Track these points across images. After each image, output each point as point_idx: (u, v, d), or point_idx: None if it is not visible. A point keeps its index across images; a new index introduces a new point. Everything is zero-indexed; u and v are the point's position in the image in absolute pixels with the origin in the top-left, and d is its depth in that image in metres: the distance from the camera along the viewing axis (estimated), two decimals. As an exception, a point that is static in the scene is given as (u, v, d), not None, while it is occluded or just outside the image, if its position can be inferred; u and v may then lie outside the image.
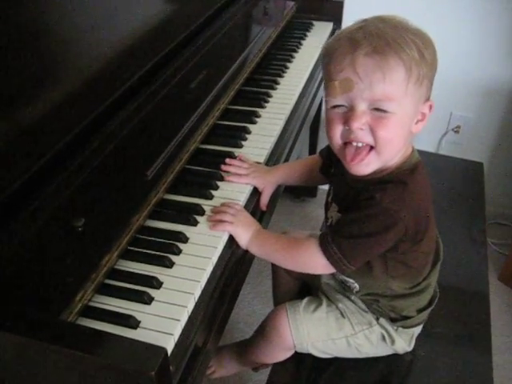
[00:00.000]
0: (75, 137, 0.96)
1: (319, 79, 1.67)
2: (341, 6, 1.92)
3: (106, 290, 0.88)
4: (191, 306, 0.87)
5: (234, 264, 1.02)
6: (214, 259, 0.96)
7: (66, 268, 0.84)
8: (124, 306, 0.86)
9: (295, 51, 1.72)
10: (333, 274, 1.16)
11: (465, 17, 1.96)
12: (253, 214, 1.10)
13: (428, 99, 0.94)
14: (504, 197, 2.25)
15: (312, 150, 2.27)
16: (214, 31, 1.49)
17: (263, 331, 1.19)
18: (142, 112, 1.12)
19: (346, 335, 1.12)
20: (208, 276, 0.93)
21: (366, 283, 1.07)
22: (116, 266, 0.93)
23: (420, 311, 1.11)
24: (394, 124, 0.89)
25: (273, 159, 1.25)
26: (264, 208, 1.18)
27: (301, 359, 1.17)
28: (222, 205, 1.08)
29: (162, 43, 1.29)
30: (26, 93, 0.90)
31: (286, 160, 1.31)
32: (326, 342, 1.12)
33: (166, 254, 0.95)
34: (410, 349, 1.15)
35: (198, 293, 0.89)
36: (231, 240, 1.02)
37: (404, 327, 1.11)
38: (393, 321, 1.11)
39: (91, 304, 0.86)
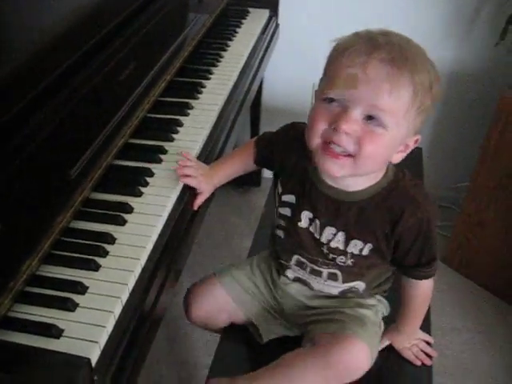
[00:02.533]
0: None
1: (255, 67, 1.64)
2: (276, -8, 1.90)
3: (27, 299, 0.83)
4: (118, 310, 0.83)
5: (165, 265, 0.98)
6: (143, 260, 0.92)
7: (-19, 277, 0.79)
8: (46, 315, 0.81)
9: (230, 39, 1.68)
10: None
11: (402, 9, 1.97)
12: (183, 213, 1.07)
13: (417, 133, 0.93)
14: (445, 179, 2.29)
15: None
16: (145, 19, 1.43)
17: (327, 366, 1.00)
18: (66, 106, 1.06)
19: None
20: (136, 278, 0.89)
21: (371, 275, 1.09)
22: (38, 272, 0.88)
23: None
24: (384, 142, 0.87)
25: (205, 152, 1.22)
26: (196, 208, 1.13)
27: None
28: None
29: (90, 32, 1.22)
30: None
31: (220, 153, 1.28)
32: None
33: (91, 257, 0.90)
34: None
35: (125, 296, 0.86)
36: (160, 240, 0.98)
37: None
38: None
39: (10, 314, 0.81)
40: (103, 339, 0.79)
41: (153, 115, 1.27)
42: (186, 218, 1.08)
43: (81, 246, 0.93)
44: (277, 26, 1.94)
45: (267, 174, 2.39)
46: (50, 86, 1.06)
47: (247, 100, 1.53)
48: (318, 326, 1.07)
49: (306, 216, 1.03)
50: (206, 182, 1.13)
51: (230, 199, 2.34)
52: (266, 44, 1.78)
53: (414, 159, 1.76)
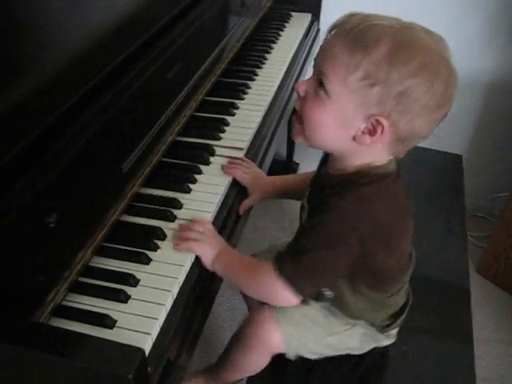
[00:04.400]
0: (47, 129, 0.92)
1: (298, 71, 1.65)
2: (319, -4, 1.90)
3: (80, 289, 0.85)
4: (169, 303, 0.84)
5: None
6: (193, 256, 0.93)
7: (38, 266, 0.80)
8: (99, 305, 0.82)
9: (274, 42, 1.69)
10: None
11: (440, 8, 1.96)
12: (229, 211, 1.08)
13: (386, 116, 0.83)
14: (482, 189, 2.26)
15: (290, 144, 2.25)
16: (190, 21, 1.45)
17: (243, 338, 1.09)
18: (117, 103, 1.07)
19: (331, 333, 1.08)
20: (187, 272, 0.90)
21: (338, 295, 1.02)
22: (90, 264, 0.89)
23: (395, 317, 1.08)
24: (326, 109, 0.85)
25: (251, 152, 1.22)
26: (241, 212, 1.13)
27: (276, 364, 1.10)
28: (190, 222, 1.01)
29: (138, 33, 1.24)
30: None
31: (266, 152, 1.29)
32: (313, 339, 1.08)
33: (143, 251, 0.91)
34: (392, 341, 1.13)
35: (176, 290, 0.87)
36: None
37: (386, 328, 1.09)
38: (371, 324, 1.08)
39: (64, 303, 0.82)
40: (155, 331, 0.80)
41: (200, 114, 1.28)
42: (232, 218, 1.08)
43: (132, 239, 0.94)
44: (318, 30, 1.95)
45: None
46: (104, 81, 1.08)
47: (290, 103, 1.53)
48: None
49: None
50: (258, 184, 1.13)
51: (263, 202, 2.33)
52: (307, 48, 1.78)
53: (453, 167, 1.75)
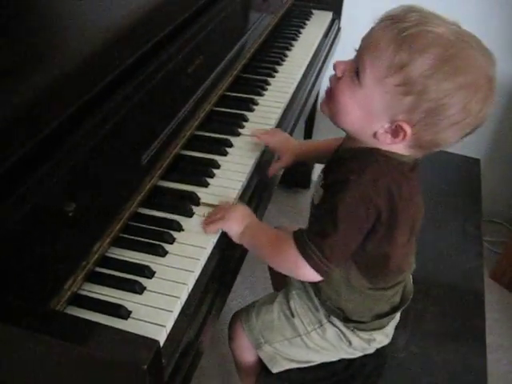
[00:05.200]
0: (67, 118, 0.92)
1: (318, 69, 1.64)
2: (341, -6, 1.89)
3: (97, 279, 0.85)
4: (184, 296, 0.84)
5: (229, 254, 0.99)
6: (209, 249, 0.93)
7: (56, 254, 0.81)
8: (115, 296, 0.83)
9: (294, 39, 1.68)
10: None
11: (464, 12, 1.93)
12: (248, 204, 1.07)
13: (412, 124, 0.83)
14: (499, 195, 2.24)
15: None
16: (212, 16, 1.45)
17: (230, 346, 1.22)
18: (137, 95, 1.07)
19: (299, 334, 1.09)
20: (202, 266, 0.90)
21: None
22: (107, 254, 0.89)
23: (377, 318, 1.06)
24: (354, 94, 0.86)
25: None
26: (271, 175, 1.16)
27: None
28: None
29: (159, 26, 1.24)
30: (19, 71, 0.86)
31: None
32: (282, 343, 1.10)
33: (159, 243, 0.92)
34: (371, 351, 1.11)
35: (191, 283, 0.87)
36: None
37: (358, 329, 1.06)
38: (345, 321, 1.06)
39: (81, 292, 0.83)
40: (170, 323, 0.80)
41: (219, 109, 1.28)
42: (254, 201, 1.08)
43: (149, 231, 0.94)
44: (339, 29, 1.94)
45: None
46: (125, 73, 1.08)
47: (309, 102, 1.53)
48: None
49: None
50: (287, 147, 1.15)
51: (278, 200, 2.33)
52: (328, 47, 1.77)
53: (471, 170, 1.73)
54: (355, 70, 0.86)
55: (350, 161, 0.90)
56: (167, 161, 1.05)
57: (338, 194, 0.86)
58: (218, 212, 0.99)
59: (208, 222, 0.98)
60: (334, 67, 0.90)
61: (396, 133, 0.85)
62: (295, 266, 0.91)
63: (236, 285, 1.88)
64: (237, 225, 0.98)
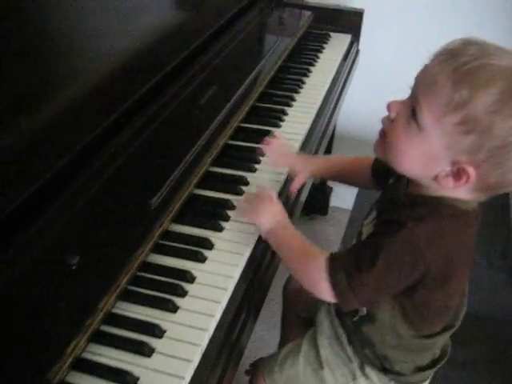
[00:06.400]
0: (69, 161, 0.86)
1: (337, 95, 1.57)
2: (360, 16, 1.82)
3: (102, 339, 0.78)
4: (197, 358, 0.77)
5: (245, 309, 0.91)
6: (224, 303, 0.86)
7: (58, 314, 0.74)
8: (121, 358, 0.76)
9: (312, 65, 1.62)
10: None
11: (455, 11, 1.87)
12: (265, 249, 1.00)
13: (476, 166, 0.76)
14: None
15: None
16: (226, 41, 1.39)
17: None
18: (145, 132, 1.02)
19: None
20: (217, 322, 0.83)
21: (373, 312, 0.94)
22: (114, 310, 0.82)
23: (418, 370, 0.98)
24: (411, 137, 0.80)
25: (289, 181, 1.15)
26: (293, 192, 1.12)
27: None
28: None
29: (170, 55, 1.19)
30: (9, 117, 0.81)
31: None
32: None
33: (169, 297, 0.84)
34: None
35: (205, 343, 0.79)
36: (242, 281, 0.91)
37: (396, 381, 0.99)
38: (384, 371, 0.98)
39: (84, 356, 0.76)
40: (182, 391, 0.73)
41: (234, 142, 1.21)
42: (267, 257, 1.00)
43: (159, 283, 0.87)
44: (358, 52, 1.87)
45: (335, 202, 2.31)
46: (131, 109, 1.03)
47: (328, 131, 1.46)
48: None
49: None
50: (302, 162, 1.12)
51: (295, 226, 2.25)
52: (347, 71, 1.71)
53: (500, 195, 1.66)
54: (411, 110, 0.79)
55: (410, 206, 0.83)
56: (179, 202, 0.98)
57: (388, 235, 0.80)
58: (252, 200, 0.99)
59: (243, 206, 0.99)
60: (388, 108, 0.84)
61: (458, 176, 0.78)
62: (317, 283, 0.86)
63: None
64: (267, 220, 0.96)
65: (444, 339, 0.99)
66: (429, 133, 0.78)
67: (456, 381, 1.09)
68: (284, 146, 1.16)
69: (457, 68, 0.74)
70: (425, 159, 0.80)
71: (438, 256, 0.81)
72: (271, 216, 0.96)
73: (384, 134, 0.86)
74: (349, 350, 1.01)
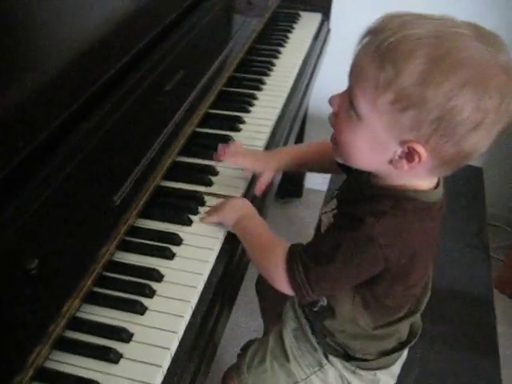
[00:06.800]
0: (26, 158, 0.80)
1: (309, 76, 1.53)
2: (329, -6, 1.78)
3: (67, 346, 0.74)
4: (166, 365, 0.74)
5: (217, 307, 0.88)
6: (194, 302, 0.82)
7: (18, 321, 0.70)
8: (87, 366, 0.72)
9: (282, 45, 1.57)
10: None
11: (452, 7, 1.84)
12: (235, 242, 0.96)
13: (424, 142, 0.71)
14: (501, 199, 2.15)
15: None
16: (191, 24, 1.33)
17: None
18: (107, 123, 0.96)
19: (296, 381, 1.01)
20: (186, 324, 0.80)
21: (333, 303, 0.92)
22: (77, 314, 0.78)
23: (383, 355, 0.97)
24: (353, 130, 0.76)
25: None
26: (258, 193, 1.06)
27: None
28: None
29: (131, 40, 1.13)
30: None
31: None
32: None
33: (137, 298, 0.81)
34: None
35: (174, 347, 0.76)
36: (213, 277, 0.88)
37: (361, 368, 0.97)
38: (346, 359, 0.97)
39: (48, 365, 0.72)
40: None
41: (203, 130, 1.17)
42: (238, 251, 0.97)
43: (126, 283, 0.83)
44: (328, 31, 1.83)
45: (309, 184, 2.28)
46: (91, 101, 0.97)
47: (300, 114, 1.42)
48: None
49: None
50: (263, 161, 1.07)
51: (269, 210, 2.23)
52: (318, 51, 1.66)
53: (475, 180, 1.66)
54: (348, 101, 0.76)
55: (371, 200, 0.80)
56: (145, 197, 0.94)
57: (348, 231, 0.78)
58: (217, 205, 0.97)
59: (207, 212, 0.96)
60: (330, 102, 0.80)
61: (411, 156, 0.73)
62: (276, 275, 0.85)
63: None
64: (231, 213, 0.94)
65: (407, 324, 0.97)
66: (368, 119, 0.74)
67: (435, 356, 1.09)
68: (240, 148, 1.10)
69: (378, 46, 0.70)
70: (373, 147, 0.76)
71: (399, 252, 0.78)
72: (233, 210, 0.95)
73: (333, 136, 0.82)
74: (313, 339, 1.00)
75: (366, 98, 0.72)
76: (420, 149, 0.71)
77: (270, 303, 1.23)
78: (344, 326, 0.93)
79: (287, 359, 1.01)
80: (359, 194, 0.84)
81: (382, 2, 1.92)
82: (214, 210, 0.97)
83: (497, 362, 1.14)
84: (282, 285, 0.84)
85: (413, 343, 0.99)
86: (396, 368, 1.02)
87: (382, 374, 0.99)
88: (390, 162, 0.76)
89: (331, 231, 0.84)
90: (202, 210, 0.98)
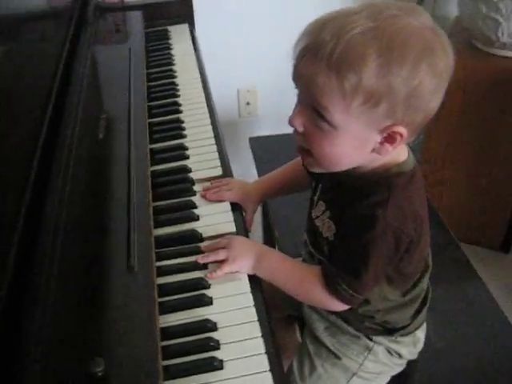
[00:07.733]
0: None
1: (207, 87, 1.51)
2: (189, 3, 1.76)
3: None
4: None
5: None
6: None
7: None
8: None
9: (171, 64, 1.53)
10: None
11: None
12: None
13: (400, 122, 0.77)
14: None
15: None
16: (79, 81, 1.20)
17: None
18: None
19: (353, 372, 1.03)
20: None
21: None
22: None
23: (415, 316, 1.02)
24: (332, 141, 0.79)
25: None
26: (250, 227, 1.07)
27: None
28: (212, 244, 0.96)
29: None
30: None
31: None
32: None
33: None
34: (419, 349, 1.07)
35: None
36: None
37: (403, 336, 1.02)
38: (389, 333, 1.01)
39: None
40: None
41: (158, 167, 1.11)
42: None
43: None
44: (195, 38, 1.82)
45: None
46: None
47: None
48: None
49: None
50: (248, 195, 1.07)
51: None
52: (201, 59, 1.65)
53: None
54: (316, 115, 0.78)
55: (365, 194, 0.83)
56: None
57: (366, 233, 0.82)
58: (218, 253, 0.92)
59: (214, 270, 0.90)
60: (291, 124, 0.81)
61: (392, 138, 0.79)
62: (325, 302, 0.90)
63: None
64: (246, 260, 0.91)
65: (427, 278, 1.02)
66: (345, 126, 0.77)
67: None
68: (220, 188, 1.07)
69: (328, 60, 0.73)
70: (355, 146, 0.80)
71: (412, 224, 0.84)
72: (247, 258, 0.92)
73: (304, 150, 0.84)
74: (350, 329, 1.02)
75: (338, 108, 0.76)
76: (399, 129, 0.77)
77: (278, 307, 1.21)
78: (378, 306, 0.96)
79: (336, 356, 1.02)
80: (349, 190, 0.87)
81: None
82: (221, 261, 0.91)
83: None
84: (336, 307, 0.90)
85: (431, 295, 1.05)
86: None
87: (419, 332, 1.04)
88: (373, 150, 0.81)
89: (346, 241, 0.87)
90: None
